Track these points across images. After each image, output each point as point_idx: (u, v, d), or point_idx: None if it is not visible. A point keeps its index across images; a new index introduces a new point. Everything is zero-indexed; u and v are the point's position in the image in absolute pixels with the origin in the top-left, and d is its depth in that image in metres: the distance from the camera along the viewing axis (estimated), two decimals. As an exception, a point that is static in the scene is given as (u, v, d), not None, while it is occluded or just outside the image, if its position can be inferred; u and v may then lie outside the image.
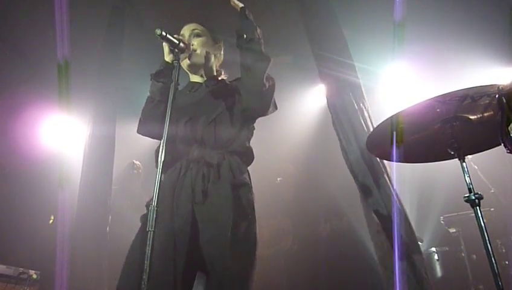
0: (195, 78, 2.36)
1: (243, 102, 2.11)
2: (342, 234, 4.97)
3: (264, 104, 2.12)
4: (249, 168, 2.18)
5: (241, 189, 1.99)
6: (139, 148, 5.10)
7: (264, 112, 2.15)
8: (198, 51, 2.29)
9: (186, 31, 2.34)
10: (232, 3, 2.23)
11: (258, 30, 2.17)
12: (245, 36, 2.11)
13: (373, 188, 3.11)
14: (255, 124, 2.29)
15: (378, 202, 3.07)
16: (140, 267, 1.63)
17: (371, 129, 3.24)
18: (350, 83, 3.56)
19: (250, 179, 2.13)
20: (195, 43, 2.30)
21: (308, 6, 4.07)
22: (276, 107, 2.24)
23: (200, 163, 2.00)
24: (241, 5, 2.21)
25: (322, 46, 3.81)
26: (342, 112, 3.45)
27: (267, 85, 2.08)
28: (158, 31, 1.94)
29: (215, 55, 2.41)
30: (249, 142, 2.22)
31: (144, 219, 1.95)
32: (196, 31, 2.34)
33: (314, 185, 5.50)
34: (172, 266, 1.78)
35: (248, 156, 2.18)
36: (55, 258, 3.78)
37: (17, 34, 4.97)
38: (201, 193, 1.91)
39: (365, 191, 3.16)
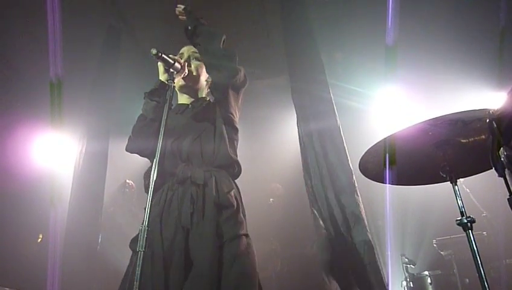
0: (182, 100, 2.38)
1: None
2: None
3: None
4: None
5: (226, 210, 1.98)
6: (132, 168, 5.08)
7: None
8: (194, 74, 2.32)
9: (186, 52, 2.38)
10: (178, 13, 2.32)
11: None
12: (189, 28, 2.23)
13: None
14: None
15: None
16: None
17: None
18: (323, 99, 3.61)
19: (239, 193, 2.13)
20: (193, 66, 2.34)
21: (287, 24, 4.14)
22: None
23: (186, 183, 2.00)
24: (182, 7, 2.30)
25: (300, 65, 3.88)
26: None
27: (237, 79, 2.17)
28: (154, 51, 1.97)
29: (207, 81, 2.43)
30: (236, 154, 2.23)
31: (134, 246, 1.93)
32: (196, 54, 2.37)
33: (302, 205, 5.48)
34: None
35: (234, 168, 2.18)
36: (43, 278, 3.71)
37: (10, 52, 4.97)
38: (189, 215, 1.91)
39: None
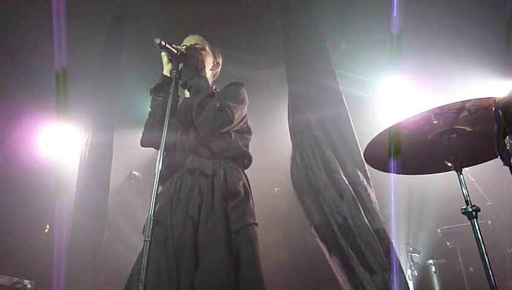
0: (188, 94, 2.36)
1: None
2: None
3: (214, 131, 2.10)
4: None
5: (233, 200, 1.99)
6: (138, 159, 5.10)
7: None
8: None
9: (188, 42, 2.36)
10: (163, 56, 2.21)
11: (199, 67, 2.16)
12: (182, 80, 2.13)
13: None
14: (252, 131, 2.31)
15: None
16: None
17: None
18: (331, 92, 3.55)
19: (248, 184, 2.14)
20: None
21: (287, 13, 4.08)
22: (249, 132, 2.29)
23: (195, 174, 2.02)
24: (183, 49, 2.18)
25: (300, 52, 3.81)
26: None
27: (217, 122, 2.06)
28: (157, 40, 1.97)
29: (211, 71, 2.43)
30: (247, 147, 2.24)
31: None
32: (198, 46, 2.35)
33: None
34: (169, 280, 1.77)
35: (244, 160, 2.20)
36: (49, 268, 3.75)
37: (15, 43, 4.97)
38: (196, 207, 1.92)
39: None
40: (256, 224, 2.02)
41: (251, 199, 2.09)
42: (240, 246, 1.89)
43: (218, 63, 2.49)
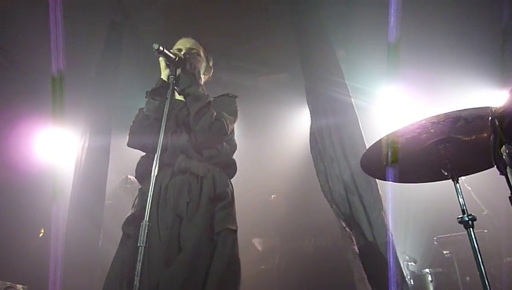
0: (179, 96, 2.35)
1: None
2: (327, 251, 5.05)
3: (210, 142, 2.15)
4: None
5: (220, 202, 2.02)
6: (134, 164, 5.08)
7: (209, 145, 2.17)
8: None
9: (182, 45, 2.37)
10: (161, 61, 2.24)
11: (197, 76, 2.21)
12: (180, 87, 2.16)
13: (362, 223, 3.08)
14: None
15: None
16: (121, 277, 1.75)
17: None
18: (342, 102, 3.58)
19: (233, 192, 2.17)
20: None
21: (300, 21, 4.11)
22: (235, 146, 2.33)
23: (186, 174, 2.03)
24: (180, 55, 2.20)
25: (314, 64, 3.84)
26: (333, 134, 3.44)
27: (214, 131, 2.11)
28: (156, 46, 1.98)
29: (204, 75, 2.45)
30: (232, 155, 2.29)
31: (126, 229, 2.00)
32: (194, 50, 2.37)
33: (303, 202, 5.52)
34: (153, 280, 1.77)
35: (231, 168, 2.24)
36: (43, 272, 3.71)
37: (13, 47, 4.98)
38: (185, 204, 1.94)
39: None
40: (236, 230, 2.04)
41: (234, 205, 2.13)
42: (218, 246, 1.91)
43: (210, 67, 2.53)
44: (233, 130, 2.34)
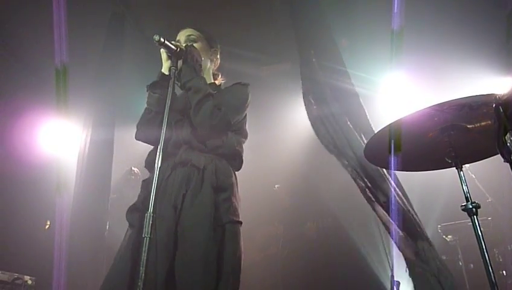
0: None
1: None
2: (330, 234, 5.15)
3: (213, 133, 2.13)
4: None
5: (223, 193, 2.01)
6: (138, 156, 5.09)
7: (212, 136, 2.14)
8: None
9: (181, 36, 2.37)
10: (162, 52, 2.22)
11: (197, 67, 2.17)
12: (182, 81, 2.14)
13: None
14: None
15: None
16: (125, 269, 1.76)
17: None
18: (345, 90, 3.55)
19: (237, 183, 2.15)
20: None
21: (297, 9, 4.06)
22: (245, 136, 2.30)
23: (187, 166, 2.02)
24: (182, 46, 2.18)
25: (315, 51, 3.80)
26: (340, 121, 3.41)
27: (214, 121, 2.08)
28: (156, 37, 1.97)
29: (211, 60, 2.43)
30: (241, 146, 2.24)
31: (130, 218, 2.01)
32: (192, 36, 2.36)
33: (306, 191, 5.54)
34: (153, 273, 1.76)
35: (236, 160, 2.20)
36: (50, 264, 3.75)
37: (15, 39, 4.96)
38: (181, 196, 1.93)
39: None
40: (241, 222, 2.03)
41: (237, 197, 2.10)
42: (224, 239, 1.90)
43: (215, 50, 2.49)
44: (243, 118, 2.29)
